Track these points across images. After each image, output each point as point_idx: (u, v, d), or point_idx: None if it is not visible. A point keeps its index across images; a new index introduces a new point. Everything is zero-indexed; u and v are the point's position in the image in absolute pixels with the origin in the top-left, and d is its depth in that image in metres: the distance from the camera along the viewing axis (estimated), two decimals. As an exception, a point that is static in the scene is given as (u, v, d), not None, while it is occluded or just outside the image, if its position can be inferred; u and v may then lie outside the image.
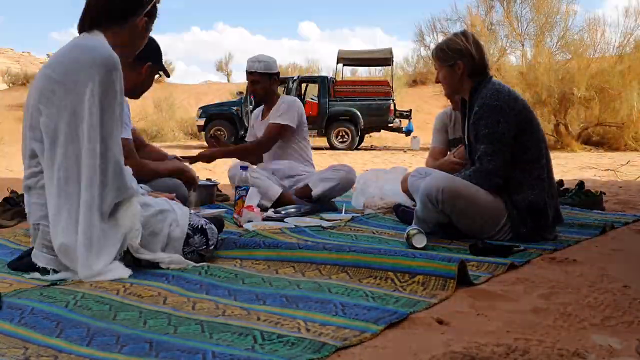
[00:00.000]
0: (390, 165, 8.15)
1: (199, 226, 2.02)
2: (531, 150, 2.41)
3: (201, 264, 1.92)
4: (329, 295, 1.56)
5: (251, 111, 13.30)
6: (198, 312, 1.43)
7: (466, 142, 2.60)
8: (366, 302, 1.49)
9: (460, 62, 2.48)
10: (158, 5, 2.07)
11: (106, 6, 1.93)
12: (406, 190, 3.28)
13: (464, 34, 2.54)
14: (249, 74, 3.51)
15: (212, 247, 2.06)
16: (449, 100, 3.20)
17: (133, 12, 1.95)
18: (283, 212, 3.11)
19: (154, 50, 2.62)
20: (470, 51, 2.47)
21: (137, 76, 2.52)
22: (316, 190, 3.32)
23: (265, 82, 3.49)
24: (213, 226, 2.08)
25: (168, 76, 2.75)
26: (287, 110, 3.46)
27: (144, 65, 2.58)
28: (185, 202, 2.64)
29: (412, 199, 3.11)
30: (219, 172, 6.40)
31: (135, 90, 2.58)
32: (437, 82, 2.66)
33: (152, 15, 2.04)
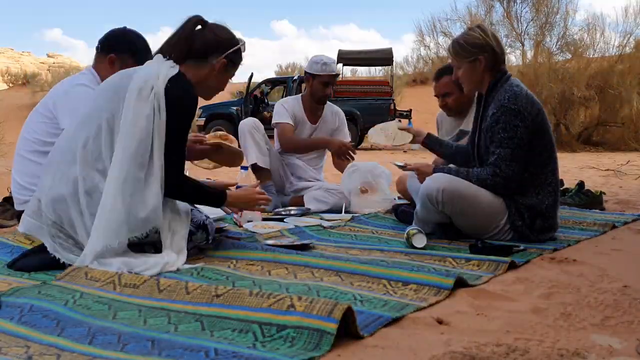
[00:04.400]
0: (389, 166, 8.14)
1: (201, 222, 2.08)
2: (542, 155, 2.40)
3: (195, 265, 1.92)
4: (316, 299, 1.53)
5: (252, 111, 13.29)
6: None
7: (475, 139, 2.55)
8: (353, 307, 1.45)
9: (481, 57, 2.43)
10: (243, 53, 2.13)
11: (189, 43, 2.02)
12: (402, 191, 3.28)
13: (480, 27, 2.49)
14: (335, 76, 3.52)
15: (212, 241, 2.15)
16: (439, 104, 3.19)
17: (212, 53, 2.03)
18: (283, 213, 3.11)
19: (124, 42, 2.54)
20: (492, 45, 2.43)
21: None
22: (308, 207, 3.34)
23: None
24: (212, 220, 2.18)
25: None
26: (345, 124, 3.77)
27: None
28: None
29: (409, 200, 3.11)
30: (218, 171, 6.40)
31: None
32: (455, 79, 2.59)
33: (234, 61, 2.10)
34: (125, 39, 2.57)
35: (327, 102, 3.71)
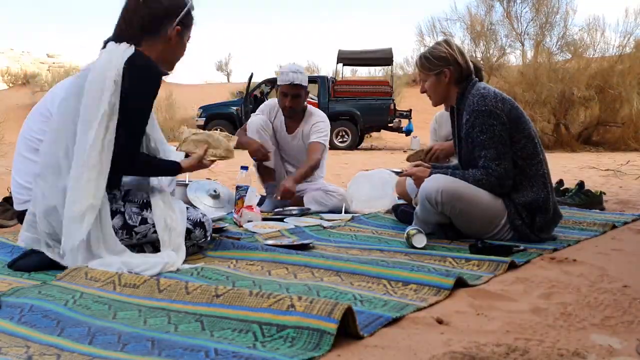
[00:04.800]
0: (389, 166, 8.15)
1: (198, 220, 2.08)
2: (526, 148, 2.41)
3: (196, 265, 1.93)
4: (316, 299, 1.53)
5: (252, 111, 13.28)
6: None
7: (456, 147, 2.60)
8: (353, 307, 1.45)
9: (446, 70, 2.49)
10: (193, 12, 2.08)
11: (138, 19, 1.97)
12: (402, 194, 3.28)
13: (446, 42, 2.55)
14: (293, 86, 3.30)
15: (210, 238, 2.16)
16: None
17: (164, 24, 1.98)
18: (286, 213, 3.11)
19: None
20: (456, 58, 2.49)
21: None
22: (313, 208, 3.31)
23: (305, 95, 3.41)
24: (209, 217, 2.18)
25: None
26: (326, 129, 3.44)
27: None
28: None
29: (408, 202, 3.11)
30: (218, 171, 6.41)
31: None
32: (422, 92, 2.62)
33: (186, 24, 2.05)
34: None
35: (316, 109, 3.54)
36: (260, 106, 3.62)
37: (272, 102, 3.58)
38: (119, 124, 1.88)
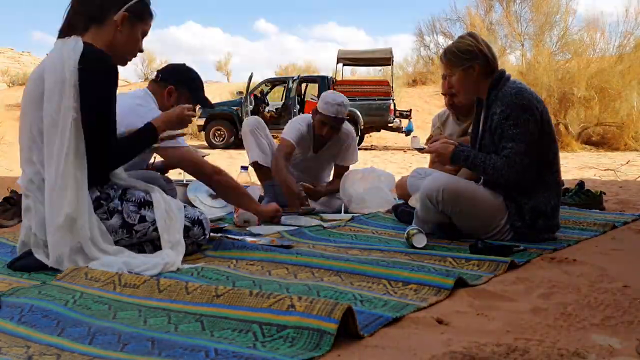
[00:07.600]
0: (389, 166, 8.15)
1: (196, 217, 2.09)
2: (548, 154, 2.39)
3: (196, 265, 1.92)
4: (316, 299, 1.53)
5: (251, 111, 13.30)
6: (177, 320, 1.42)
7: (478, 141, 2.51)
8: (353, 307, 1.44)
9: (475, 64, 2.42)
10: (151, 7, 2.04)
11: (86, 6, 1.93)
12: (402, 196, 3.27)
13: (471, 34, 2.48)
14: (335, 119, 3.31)
15: (208, 236, 2.17)
16: (445, 102, 3.17)
17: (108, 8, 1.93)
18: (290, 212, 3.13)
19: (185, 78, 2.57)
20: (484, 51, 2.42)
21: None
22: (317, 208, 3.36)
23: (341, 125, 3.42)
24: (206, 216, 2.19)
25: (206, 106, 2.70)
26: (354, 150, 3.58)
27: (171, 89, 2.52)
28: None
29: (407, 202, 3.10)
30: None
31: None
32: (449, 88, 2.53)
33: (137, 14, 1.98)
34: (187, 76, 2.62)
35: (346, 127, 3.52)
36: (295, 126, 3.46)
37: (307, 124, 3.49)
38: (87, 124, 1.85)
